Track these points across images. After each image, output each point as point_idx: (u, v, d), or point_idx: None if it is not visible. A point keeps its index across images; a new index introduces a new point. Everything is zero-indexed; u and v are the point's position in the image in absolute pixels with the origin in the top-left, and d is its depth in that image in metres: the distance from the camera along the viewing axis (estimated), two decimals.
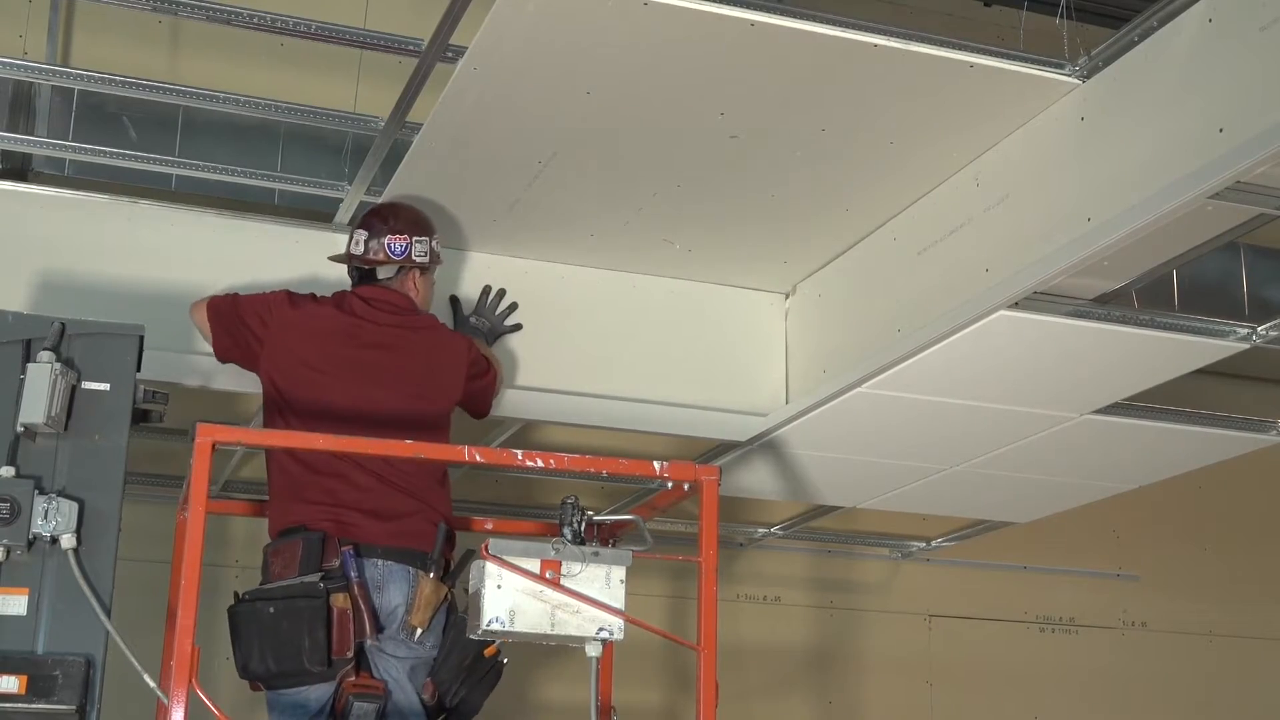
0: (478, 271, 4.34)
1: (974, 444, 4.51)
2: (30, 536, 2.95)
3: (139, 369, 3.21)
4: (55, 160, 4.32)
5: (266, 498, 3.72)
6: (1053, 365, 3.91)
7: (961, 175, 3.83)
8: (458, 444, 3.44)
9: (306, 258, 4.12)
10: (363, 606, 3.41)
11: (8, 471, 3.00)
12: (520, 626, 3.16)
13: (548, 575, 3.17)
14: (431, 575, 3.50)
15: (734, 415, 4.52)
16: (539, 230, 4.21)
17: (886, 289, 4.12)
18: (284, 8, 3.79)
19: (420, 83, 3.46)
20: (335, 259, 3.93)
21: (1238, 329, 3.82)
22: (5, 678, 2.87)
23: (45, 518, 2.96)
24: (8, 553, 2.94)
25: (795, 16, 3.17)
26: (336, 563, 3.43)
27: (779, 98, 3.47)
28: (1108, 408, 4.21)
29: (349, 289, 3.87)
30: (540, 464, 3.32)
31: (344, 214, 4.14)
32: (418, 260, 3.84)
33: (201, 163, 4.08)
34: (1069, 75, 3.42)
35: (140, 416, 3.25)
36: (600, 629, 3.19)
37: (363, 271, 3.85)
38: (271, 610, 3.35)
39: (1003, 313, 3.59)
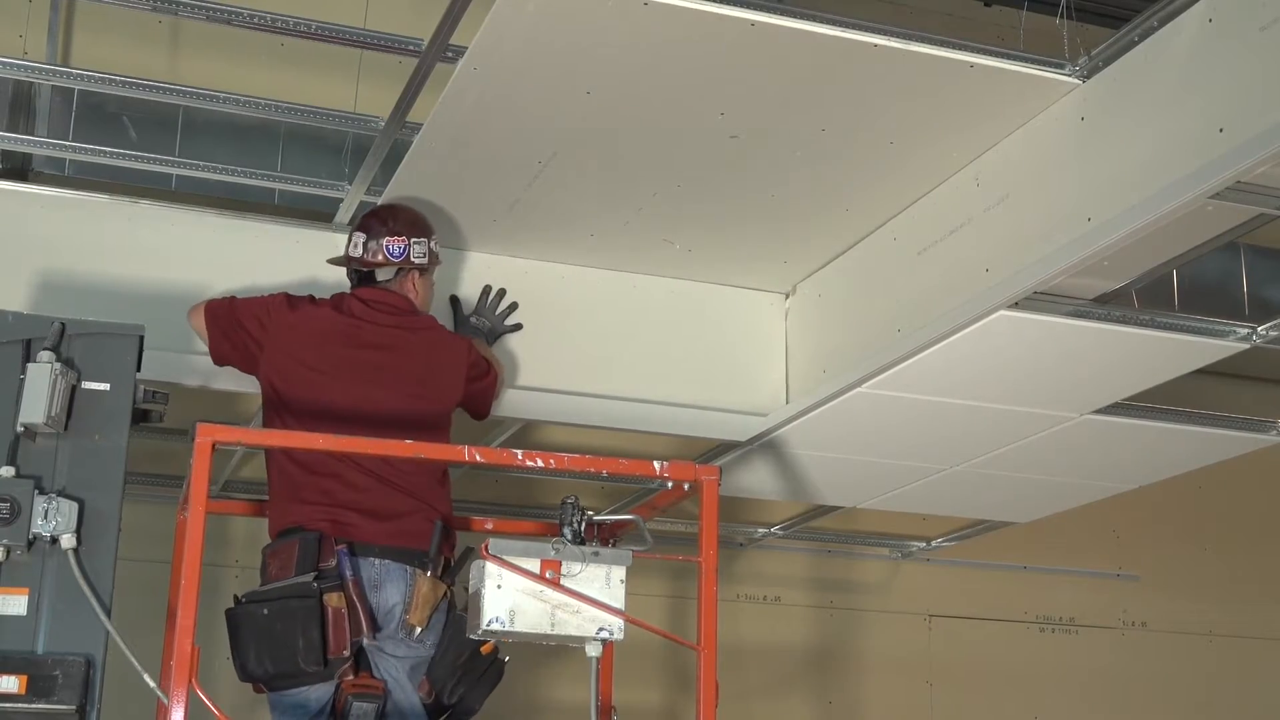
0: (478, 271, 4.34)
1: (974, 444, 4.51)
2: (30, 536, 2.95)
3: (139, 369, 3.21)
4: (55, 160, 4.32)
5: (266, 498, 3.72)
6: (1053, 365, 3.91)
7: (961, 175, 3.83)
8: (458, 444, 3.44)
9: (307, 258, 4.12)
10: (358, 605, 3.40)
11: (8, 471, 3.00)
12: (520, 626, 3.16)
13: (548, 575, 3.17)
14: (429, 574, 3.50)
15: (734, 415, 4.52)
16: (539, 230, 4.21)
17: (886, 289, 4.12)
18: (284, 8, 3.79)
19: (420, 83, 3.46)
20: (334, 262, 3.93)
21: (1238, 329, 3.82)
22: (5, 678, 2.87)
23: (45, 518, 2.96)
24: (8, 553, 2.94)
25: (795, 16, 3.17)
26: (332, 563, 3.43)
27: (779, 98, 3.47)
28: (1108, 408, 4.21)
29: (348, 291, 3.87)
30: (540, 464, 3.32)
31: (344, 214, 4.14)
32: (416, 262, 3.83)
33: (201, 163, 4.08)
34: (1069, 75, 3.42)
35: (140, 416, 3.25)
36: (600, 629, 3.19)
37: (362, 274, 3.85)
38: (265, 612, 3.35)
39: (1003, 313, 3.59)
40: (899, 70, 3.33)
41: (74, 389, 3.09)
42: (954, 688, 6.12)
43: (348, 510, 3.53)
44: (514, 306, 4.32)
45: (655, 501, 3.87)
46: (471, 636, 3.30)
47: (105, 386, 3.13)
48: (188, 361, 3.91)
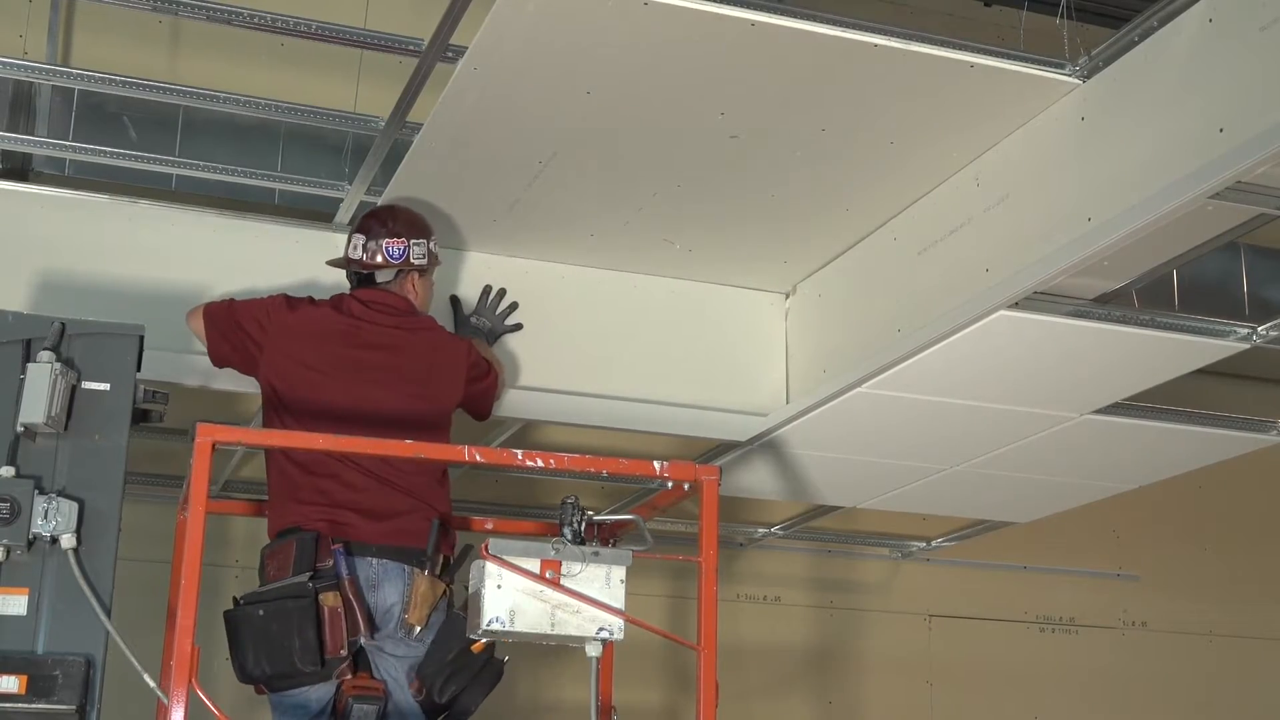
0: (478, 271, 4.34)
1: (974, 444, 4.51)
2: (30, 536, 2.95)
3: (139, 369, 3.21)
4: (55, 160, 4.32)
5: (266, 498, 3.72)
6: (1053, 365, 3.91)
7: (961, 175, 3.83)
8: (458, 444, 3.44)
9: (306, 258, 4.12)
10: (355, 605, 3.40)
11: (8, 471, 3.00)
12: (520, 626, 3.16)
13: (548, 575, 3.17)
14: (427, 572, 3.50)
15: (734, 415, 4.52)
16: (539, 230, 4.21)
17: (886, 289, 4.12)
18: (284, 8, 3.79)
19: (420, 83, 3.46)
20: (333, 263, 3.93)
21: (1238, 329, 3.82)
22: (5, 678, 2.87)
23: (45, 518, 2.96)
24: (8, 553, 2.94)
25: (795, 16, 3.17)
26: (329, 562, 3.43)
27: (779, 98, 3.47)
28: (1108, 408, 4.21)
29: (347, 292, 3.87)
30: (540, 464, 3.32)
31: (344, 214, 4.13)
32: (416, 263, 3.83)
33: (201, 163, 4.08)
34: (1069, 75, 3.42)
35: (140, 416, 3.25)
36: (600, 629, 3.19)
37: (361, 275, 3.85)
38: (261, 613, 3.35)
39: (1003, 313, 3.59)
40: (899, 70, 3.33)
41: (74, 389, 3.09)
42: (954, 688, 6.12)
43: (346, 510, 3.53)
44: (514, 306, 4.32)
45: (655, 501, 3.87)
46: (472, 636, 3.29)
47: (105, 386, 3.13)
48: (188, 361, 3.91)
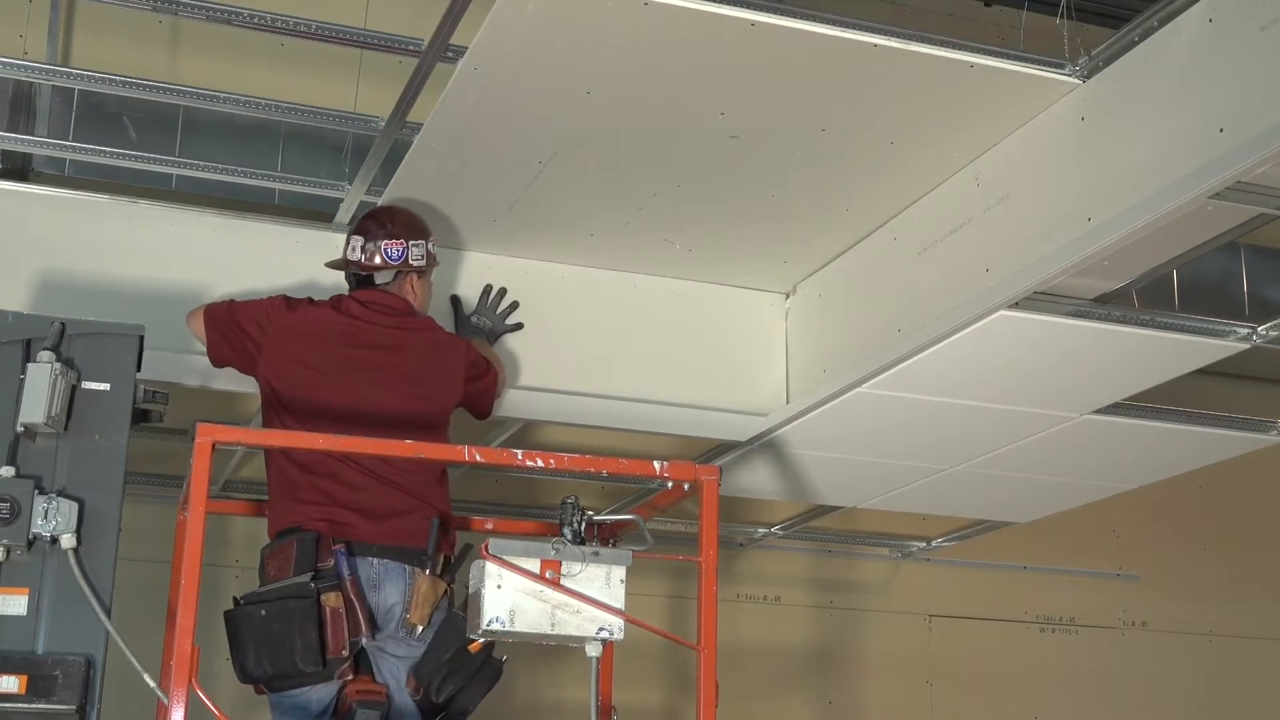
0: (478, 271, 4.34)
1: (974, 444, 4.51)
2: (30, 536, 2.95)
3: (139, 369, 3.21)
4: (55, 160, 4.32)
5: (266, 498, 3.72)
6: (1053, 365, 3.91)
7: (961, 175, 3.83)
8: (458, 444, 3.44)
9: (306, 258, 4.12)
10: (356, 605, 3.40)
11: (8, 471, 3.00)
12: (520, 626, 3.16)
13: (548, 575, 3.17)
14: (428, 572, 3.50)
15: (734, 415, 4.52)
16: (539, 230, 4.21)
17: (886, 289, 4.12)
18: (284, 8, 3.79)
19: (420, 83, 3.46)
20: (332, 265, 3.93)
21: (1238, 329, 3.82)
22: (5, 678, 2.87)
23: (45, 518, 2.96)
24: (8, 553, 2.94)
25: (795, 16, 3.17)
26: (330, 563, 3.43)
27: (779, 98, 3.47)
28: (1108, 408, 4.21)
29: (346, 293, 3.87)
30: (540, 464, 3.32)
31: (344, 214, 4.13)
32: (414, 264, 3.83)
33: (201, 163, 4.08)
34: (1069, 75, 3.42)
35: (140, 416, 3.25)
36: (600, 629, 3.19)
37: (360, 277, 3.85)
38: (263, 613, 3.35)
39: (1003, 313, 3.59)
40: (899, 70, 3.33)
41: (74, 389, 3.09)
42: (954, 688, 6.12)
43: (346, 510, 3.53)
44: (515, 306, 4.32)
45: (655, 501, 3.87)
46: (472, 636, 3.29)
47: (105, 386, 3.13)
48: (188, 361, 3.91)
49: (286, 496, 3.59)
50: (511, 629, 3.16)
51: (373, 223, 3.86)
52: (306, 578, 3.39)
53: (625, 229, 4.20)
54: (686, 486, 3.43)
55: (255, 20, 3.72)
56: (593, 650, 3.21)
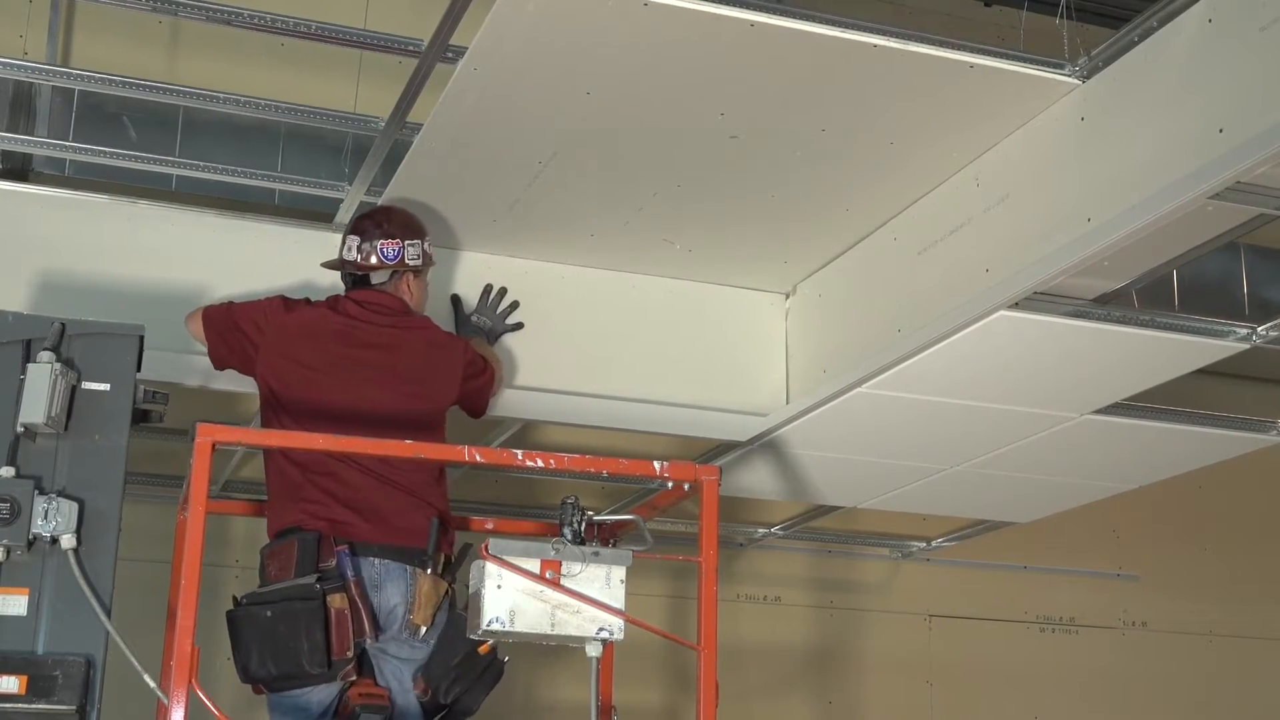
0: (477, 271, 4.34)
1: (974, 444, 4.51)
2: (30, 536, 2.95)
3: (139, 369, 3.21)
4: (55, 160, 4.32)
5: (266, 498, 3.72)
6: (1053, 365, 3.91)
7: (961, 175, 3.83)
8: (458, 444, 3.44)
9: (306, 258, 4.11)
10: (361, 606, 3.40)
11: (8, 471, 3.00)
12: (520, 626, 3.16)
13: (548, 575, 3.17)
14: (429, 571, 3.50)
15: (734, 415, 4.52)
16: (539, 230, 4.21)
17: (886, 289, 4.12)
18: (284, 8, 3.79)
19: (420, 83, 3.46)
20: (328, 265, 3.93)
21: (1238, 329, 3.82)
22: (5, 678, 2.87)
23: (45, 518, 2.96)
24: (8, 553, 2.94)
25: (795, 17, 3.17)
26: (333, 563, 3.43)
27: (779, 98, 3.47)
28: (1108, 408, 4.21)
29: (343, 293, 3.87)
30: (540, 464, 3.32)
31: (344, 214, 4.13)
32: (410, 263, 3.83)
33: (201, 163, 4.08)
34: (1069, 75, 3.42)
35: (140, 416, 3.25)
36: (600, 629, 3.19)
37: (356, 277, 3.85)
38: (269, 614, 3.35)
39: (1003, 313, 3.59)
40: (899, 70, 3.33)
41: (74, 389, 3.09)
42: (954, 688, 6.12)
43: (346, 510, 3.53)
44: (515, 305, 4.33)
45: (655, 501, 3.87)
46: (472, 636, 3.30)
47: (105, 386, 3.13)
48: (188, 361, 3.91)
49: (286, 496, 3.59)
50: (511, 629, 3.16)
51: (368, 222, 3.86)
52: (311, 579, 3.39)
53: (625, 229, 4.20)
54: (686, 486, 3.43)
55: (255, 20, 3.72)
56: (593, 650, 3.21)
